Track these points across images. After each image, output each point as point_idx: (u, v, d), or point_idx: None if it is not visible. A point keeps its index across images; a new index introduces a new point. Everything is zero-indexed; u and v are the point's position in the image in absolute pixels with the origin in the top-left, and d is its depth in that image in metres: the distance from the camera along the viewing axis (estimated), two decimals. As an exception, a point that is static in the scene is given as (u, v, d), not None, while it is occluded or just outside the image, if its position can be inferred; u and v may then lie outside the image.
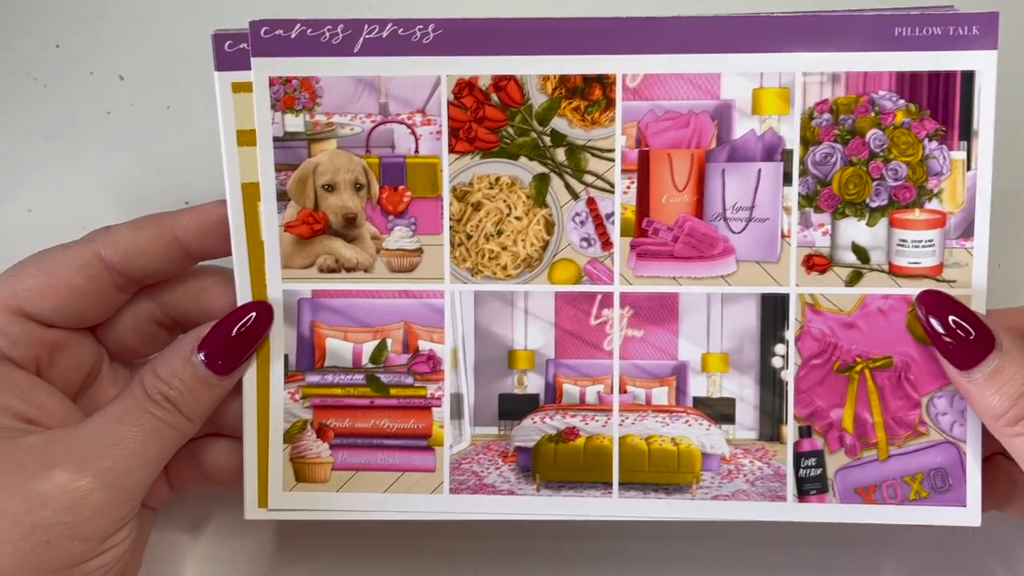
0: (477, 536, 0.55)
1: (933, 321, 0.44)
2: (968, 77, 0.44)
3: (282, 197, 0.47)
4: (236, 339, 0.46)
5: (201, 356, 0.45)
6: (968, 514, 0.46)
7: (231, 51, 0.46)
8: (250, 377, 0.48)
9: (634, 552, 0.55)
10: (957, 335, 0.43)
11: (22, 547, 0.41)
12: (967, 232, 0.45)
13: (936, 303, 0.44)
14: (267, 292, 0.47)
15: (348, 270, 0.48)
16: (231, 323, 0.46)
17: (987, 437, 0.45)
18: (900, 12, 0.44)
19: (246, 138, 0.47)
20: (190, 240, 0.47)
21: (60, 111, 0.57)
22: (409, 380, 0.48)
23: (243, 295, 0.47)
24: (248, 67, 0.46)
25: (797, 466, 0.47)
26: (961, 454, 0.46)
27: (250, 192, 0.47)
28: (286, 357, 0.48)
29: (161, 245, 0.47)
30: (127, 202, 0.55)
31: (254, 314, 0.46)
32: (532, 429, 0.48)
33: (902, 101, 0.45)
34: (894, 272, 0.46)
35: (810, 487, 0.47)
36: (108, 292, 0.47)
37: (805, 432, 0.47)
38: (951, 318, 0.44)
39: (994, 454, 0.48)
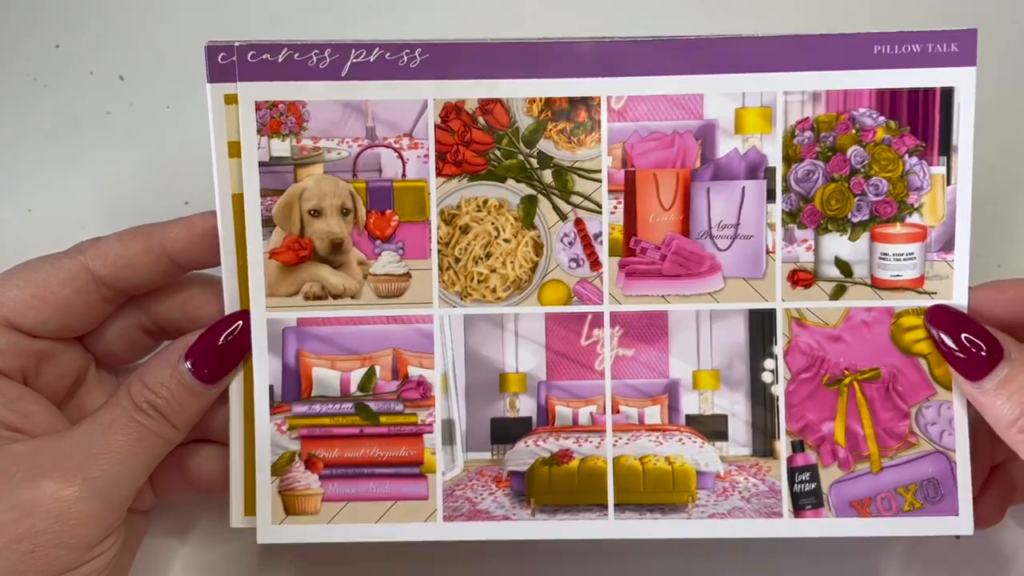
0: (471, 559, 0.54)
1: (944, 337, 0.45)
2: (947, 93, 0.46)
3: (267, 223, 0.47)
4: (223, 348, 0.46)
5: (188, 364, 0.45)
6: (960, 523, 0.46)
7: (224, 63, 0.46)
8: (236, 387, 0.47)
9: (627, 571, 0.54)
10: (969, 350, 0.44)
11: (8, 555, 0.41)
12: (947, 246, 0.46)
13: (946, 319, 0.45)
14: (251, 311, 0.47)
15: (335, 297, 0.47)
16: (218, 332, 0.46)
17: (1000, 444, 0.46)
18: (878, 31, 0.46)
19: (237, 150, 0.46)
20: (178, 252, 0.47)
21: (60, 111, 0.56)
22: (399, 407, 0.47)
23: (231, 305, 0.47)
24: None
25: (792, 481, 0.47)
26: (951, 463, 0.47)
27: (240, 203, 0.47)
28: (271, 388, 0.47)
29: (150, 257, 0.46)
30: (127, 202, 0.55)
31: (241, 323, 0.46)
32: (525, 452, 0.47)
33: (882, 118, 0.46)
34: (876, 285, 0.47)
35: (805, 502, 0.47)
36: (95, 304, 0.47)
37: (798, 447, 0.47)
38: (964, 336, 0.45)
39: (1006, 461, 0.49)
